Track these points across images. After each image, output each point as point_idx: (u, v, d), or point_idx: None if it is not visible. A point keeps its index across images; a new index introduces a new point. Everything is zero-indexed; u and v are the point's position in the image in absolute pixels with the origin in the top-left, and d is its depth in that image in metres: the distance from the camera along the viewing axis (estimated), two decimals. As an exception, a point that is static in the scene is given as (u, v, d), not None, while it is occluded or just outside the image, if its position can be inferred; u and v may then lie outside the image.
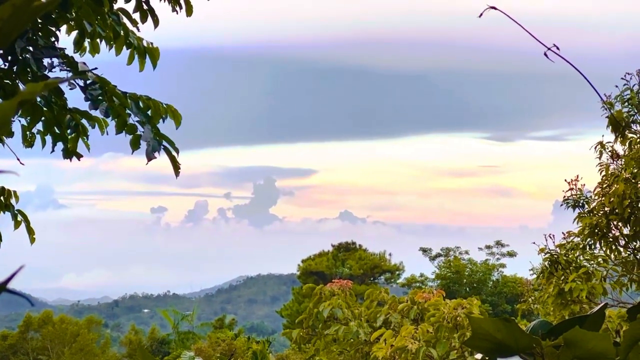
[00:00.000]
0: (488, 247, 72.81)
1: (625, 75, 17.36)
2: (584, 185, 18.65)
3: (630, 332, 2.21)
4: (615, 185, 17.21)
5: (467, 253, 72.89)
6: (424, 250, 73.01)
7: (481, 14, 2.99)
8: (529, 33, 2.84)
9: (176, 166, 7.01)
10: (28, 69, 6.82)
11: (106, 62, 8.01)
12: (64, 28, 7.69)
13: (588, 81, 2.95)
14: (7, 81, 7.07)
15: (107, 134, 7.45)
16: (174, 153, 7.00)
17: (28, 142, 7.75)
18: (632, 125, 17.33)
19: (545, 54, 2.84)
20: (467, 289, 69.14)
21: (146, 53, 8.14)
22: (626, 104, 17.22)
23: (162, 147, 6.92)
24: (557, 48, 2.83)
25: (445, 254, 72.52)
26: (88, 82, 6.89)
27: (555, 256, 17.94)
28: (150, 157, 6.80)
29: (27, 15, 1.30)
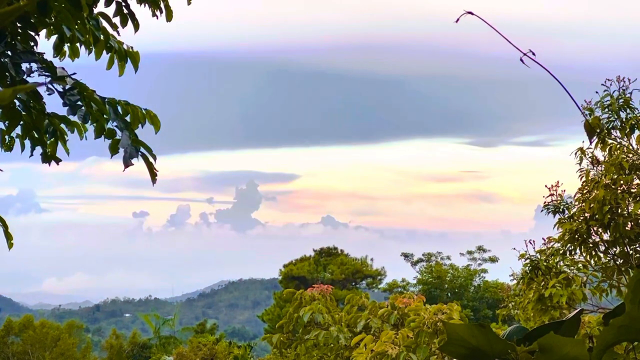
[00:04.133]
0: (470, 252, 73.07)
1: (605, 82, 17.43)
2: (565, 191, 18.69)
3: (603, 337, 2.21)
4: (596, 191, 17.25)
5: (449, 258, 73.15)
6: (406, 256, 73.18)
7: (458, 19, 3.00)
8: (505, 38, 2.85)
9: (153, 173, 6.98)
10: (7, 74, 6.78)
11: (89, 66, 7.99)
12: (43, 33, 7.67)
13: (563, 87, 2.95)
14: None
15: (86, 138, 7.42)
16: (151, 159, 6.97)
17: (7, 146, 7.70)
18: (612, 131, 17.39)
19: (521, 60, 2.84)
20: (449, 294, 69.31)
21: (127, 57, 8.13)
22: (606, 110, 17.28)
23: (139, 153, 6.90)
24: (533, 54, 2.83)
25: (427, 259, 72.69)
26: (66, 87, 6.86)
27: (536, 262, 17.97)
28: (127, 163, 6.77)
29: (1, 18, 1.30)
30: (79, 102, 6.84)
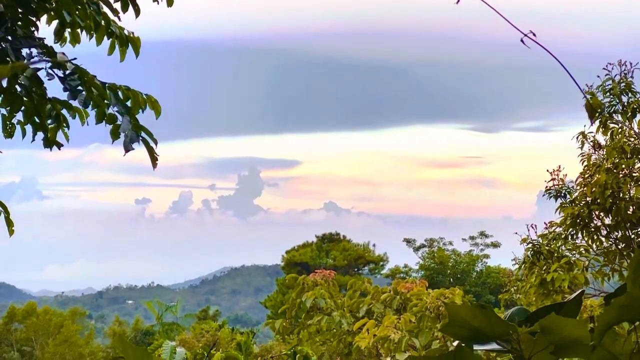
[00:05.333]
0: (472, 238, 73.08)
1: (607, 66, 17.40)
2: (566, 175, 18.70)
3: (604, 317, 2.21)
4: (597, 175, 17.24)
5: (451, 244, 73.17)
6: (408, 241, 73.17)
7: (458, 0, 3.00)
8: (505, 19, 2.84)
9: (154, 157, 6.97)
10: (7, 59, 6.77)
11: (89, 54, 7.96)
12: (44, 18, 7.65)
13: (563, 67, 2.95)
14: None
15: (88, 124, 7.41)
16: (152, 144, 6.96)
17: (8, 132, 7.69)
18: (613, 115, 17.37)
19: (522, 40, 2.84)
20: (451, 279, 69.37)
21: (128, 42, 8.10)
22: (608, 93, 17.26)
23: (140, 138, 6.88)
24: (534, 34, 2.83)
25: (429, 244, 72.71)
26: (67, 72, 6.85)
27: (538, 246, 17.97)
28: (127, 148, 6.75)
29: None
30: (80, 87, 6.83)
